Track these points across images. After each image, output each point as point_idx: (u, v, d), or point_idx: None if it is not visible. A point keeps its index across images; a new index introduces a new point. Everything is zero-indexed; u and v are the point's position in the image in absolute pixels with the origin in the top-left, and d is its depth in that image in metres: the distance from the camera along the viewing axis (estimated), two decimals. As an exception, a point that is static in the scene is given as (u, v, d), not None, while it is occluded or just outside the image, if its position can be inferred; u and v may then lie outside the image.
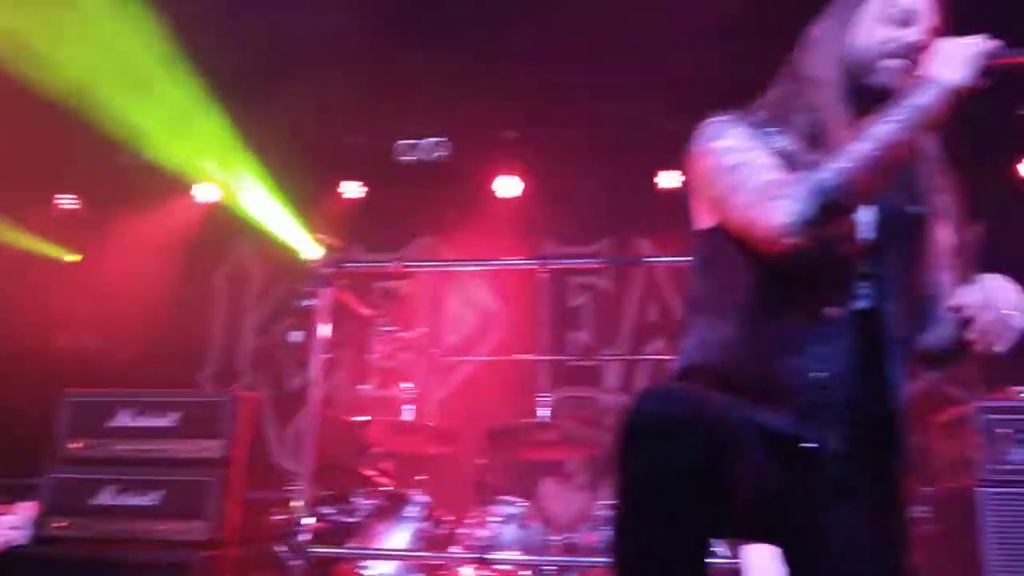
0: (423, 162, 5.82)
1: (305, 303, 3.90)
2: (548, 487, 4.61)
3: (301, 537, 3.34)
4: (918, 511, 3.64)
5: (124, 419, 3.88)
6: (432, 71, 5.18)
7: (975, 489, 3.22)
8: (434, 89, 5.39)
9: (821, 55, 1.72)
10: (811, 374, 1.56)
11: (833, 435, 1.56)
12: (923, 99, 1.52)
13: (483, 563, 3.40)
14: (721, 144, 1.67)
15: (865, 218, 1.63)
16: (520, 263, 4.21)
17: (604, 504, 3.65)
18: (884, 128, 1.51)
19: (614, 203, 5.92)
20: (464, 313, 6.16)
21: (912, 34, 1.66)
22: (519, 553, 3.52)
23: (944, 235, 1.72)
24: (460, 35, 4.82)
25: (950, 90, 1.52)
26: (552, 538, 3.64)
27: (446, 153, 5.75)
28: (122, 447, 3.85)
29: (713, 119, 1.73)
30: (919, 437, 3.69)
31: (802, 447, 1.55)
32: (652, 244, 5.93)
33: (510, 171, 6.04)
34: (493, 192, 6.05)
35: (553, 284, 5.87)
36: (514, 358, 5.20)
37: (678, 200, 1.96)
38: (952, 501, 3.47)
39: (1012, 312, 1.45)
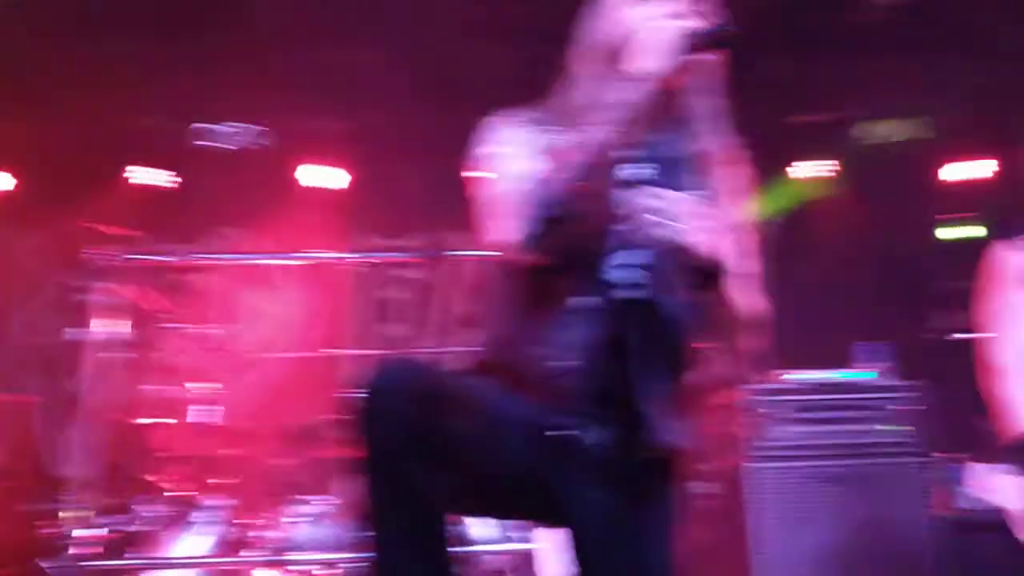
0: (224, 149, 5.55)
1: (81, 298, 3.62)
2: (348, 484, 4.54)
3: (72, 551, 3.09)
4: (696, 488, 3.89)
5: None
6: (236, 56, 4.96)
7: (744, 465, 3.47)
8: (240, 74, 5.16)
9: (582, 50, 1.73)
10: (549, 363, 1.58)
11: (579, 422, 1.59)
12: (628, 94, 1.52)
13: (277, 564, 3.30)
14: (486, 150, 1.67)
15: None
16: (322, 256, 4.09)
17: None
18: (593, 132, 1.51)
19: (430, 198, 5.90)
20: (269, 309, 5.94)
21: (653, 10, 1.63)
22: (315, 552, 3.45)
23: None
24: (272, 19, 4.63)
25: (655, 79, 1.53)
26: (350, 534, 3.59)
27: (245, 138, 5.51)
28: None
29: (491, 118, 1.71)
30: (696, 419, 3.93)
31: (550, 434, 1.57)
32: (462, 239, 5.96)
33: (319, 160, 5.88)
34: (298, 182, 5.88)
35: (365, 278, 5.79)
36: (320, 353, 5.07)
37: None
38: (726, 478, 3.73)
39: (674, 220, 1.48)
